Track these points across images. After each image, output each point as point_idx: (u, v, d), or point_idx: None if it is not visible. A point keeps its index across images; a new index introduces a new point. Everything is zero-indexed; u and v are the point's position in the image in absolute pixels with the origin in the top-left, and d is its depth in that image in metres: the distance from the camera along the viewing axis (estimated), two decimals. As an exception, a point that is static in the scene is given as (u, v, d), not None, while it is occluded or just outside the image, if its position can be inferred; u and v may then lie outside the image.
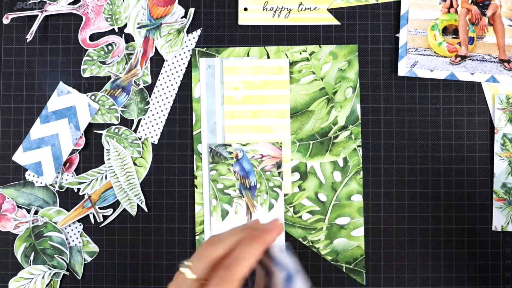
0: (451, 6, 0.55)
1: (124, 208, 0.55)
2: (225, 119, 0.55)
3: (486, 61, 0.55)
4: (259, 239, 0.40)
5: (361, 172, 0.55)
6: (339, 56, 0.55)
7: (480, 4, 0.55)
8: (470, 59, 0.55)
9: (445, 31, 0.55)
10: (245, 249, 0.39)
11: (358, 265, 0.55)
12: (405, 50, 0.55)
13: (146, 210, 0.55)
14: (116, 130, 0.55)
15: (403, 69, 0.55)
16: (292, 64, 0.55)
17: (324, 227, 0.55)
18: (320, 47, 0.55)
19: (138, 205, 0.55)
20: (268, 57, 0.55)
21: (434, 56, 0.55)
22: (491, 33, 0.55)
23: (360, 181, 0.55)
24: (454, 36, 0.55)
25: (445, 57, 0.55)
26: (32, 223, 0.55)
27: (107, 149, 0.55)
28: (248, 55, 0.55)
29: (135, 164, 0.55)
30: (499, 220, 0.55)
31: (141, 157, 0.55)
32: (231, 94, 0.55)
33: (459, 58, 0.55)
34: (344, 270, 0.55)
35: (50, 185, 0.55)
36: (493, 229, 0.55)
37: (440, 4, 0.55)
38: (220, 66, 0.55)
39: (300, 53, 0.55)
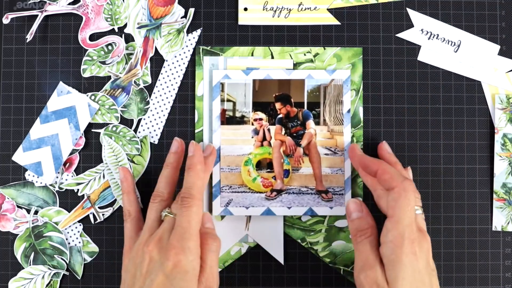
0: (264, 139, 0.54)
1: (124, 208, 0.55)
2: (225, 119, 0.55)
3: (303, 193, 0.54)
4: (193, 166, 0.49)
5: (361, 173, 0.55)
6: (343, 59, 0.55)
7: (295, 134, 0.54)
8: (286, 193, 0.54)
9: (259, 165, 0.54)
10: (189, 177, 0.48)
11: (356, 267, 0.55)
12: (218, 189, 0.54)
13: (141, 206, 0.55)
14: (114, 129, 0.55)
15: (217, 209, 0.54)
16: (296, 65, 0.55)
17: (323, 229, 0.55)
18: (324, 49, 0.55)
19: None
20: (272, 57, 0.55)
21: (249, 193, 0.54)
22: (307, 163, 0.54)
23: (360, 183, 0.55)
24: (268, 170, 0.54)
25: (261, 192, 0.54)
26: (32, 223, 0.55)
27: (103, 146, 0.55)
28: (252, 55, 0.55)
29: (132, 161, 0.55)
30: (499, 220, 0.55)
31: (139, 155, 0.55)
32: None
33: (275, 193, 0.54)
34: (341, 272, 0.55)
35: (50, 185, 0.55)
36: (493, 229, 0.55)
37: (252, 137, 0.54)
38: (224, 65, 0.55)
39: (305, 55, 0.55)
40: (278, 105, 0.53)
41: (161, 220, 0.49)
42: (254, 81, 0.53)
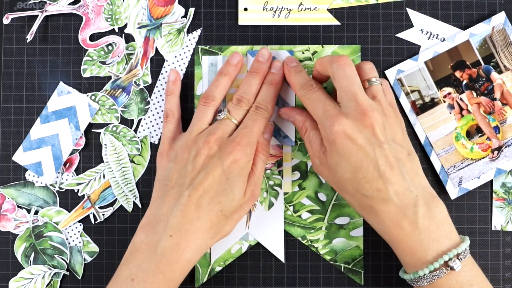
0: (461, 109, 0.55)
1: (125, 209, 0.55)
2: (225, 119, 0.55)
3: None
4: (275, 83, 0.52)
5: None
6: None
7: (485, 91, 0.54)
8: (505, 146, 0.54)
9: (469, 134, 0.55)
10: (268, 92, 0.51)
11: (356, 265, 0.55)
12: (445, 173, 0.54)
13: (140, 206, 0.55)
14: (114, 129, 0.55)
15: (453, 191, 0.54)
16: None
17: (323, 226, 0.55)
18: (322, 47, 0.55)
19: (134, 203, 0.55)
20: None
21: (473, 163, 0.54)
22: (509, 112, 0.55)
23: None
24: (480, 134, 0.55)
25: (483, 158, 0.54)
26: (32, 223, 0.55)
27: (104, 145, 0.55)
28: (250, 54, 0.55)
29: (132, 161, 0.55)
30: (499, 220, 0.55)
31: (139, 155, 0.55)
32: (233, 92, 0.55)
33: (495, 152, 0.54)
34: (342, 270, 0.55)
35: (50, 185, 0.55)
36: (493, 228, 0.55)
37: (450, 113, 0.55)
38: (222, 64, 0.55)
39: (303, 53, 0.55)
40: (457, 73, 0.54)
41: (211, 122, 0.51)
42: (425, 63, 0.54)
